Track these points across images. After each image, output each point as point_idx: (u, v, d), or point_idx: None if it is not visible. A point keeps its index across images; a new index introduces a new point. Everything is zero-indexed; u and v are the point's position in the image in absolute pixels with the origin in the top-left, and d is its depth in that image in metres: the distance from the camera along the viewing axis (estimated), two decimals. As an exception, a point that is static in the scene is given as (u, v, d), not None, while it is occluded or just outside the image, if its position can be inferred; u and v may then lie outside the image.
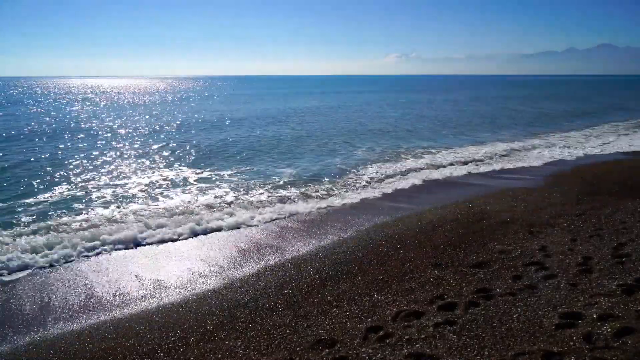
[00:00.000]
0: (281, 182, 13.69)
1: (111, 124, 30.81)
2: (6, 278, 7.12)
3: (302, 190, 12.65)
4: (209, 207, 10.91)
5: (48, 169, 15.52)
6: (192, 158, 17.99)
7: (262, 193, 12.41)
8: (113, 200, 11.68)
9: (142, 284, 6.81)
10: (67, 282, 6.99)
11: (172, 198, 12.01)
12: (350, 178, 14.19)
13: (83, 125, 29.32)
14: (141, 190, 12.82)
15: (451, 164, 16.12)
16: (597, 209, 9.11)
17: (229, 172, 15.26)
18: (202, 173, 15.22)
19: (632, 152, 17.93)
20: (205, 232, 9.17)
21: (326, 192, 12.44)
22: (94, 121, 32.26)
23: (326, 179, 14.05)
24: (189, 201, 11.61)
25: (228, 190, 12.77)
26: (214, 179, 14.39)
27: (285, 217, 10.19)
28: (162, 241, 8.69)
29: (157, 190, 12.93)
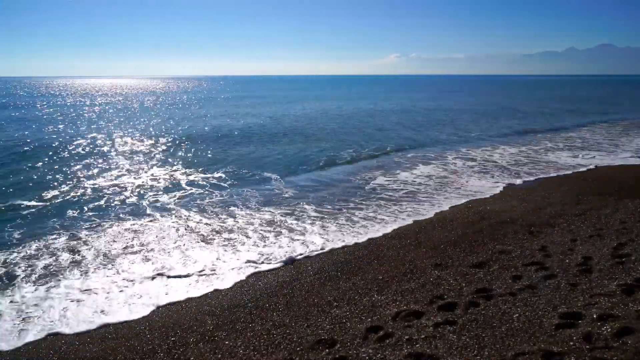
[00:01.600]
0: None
1: (113, 126, 30.83)
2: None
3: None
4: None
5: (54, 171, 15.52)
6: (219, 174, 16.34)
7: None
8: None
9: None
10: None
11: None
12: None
13: (86, 128, 29.34)
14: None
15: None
16: (597, 209, 9.11)
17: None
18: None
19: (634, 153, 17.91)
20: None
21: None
22: (99, 123, 32.29)
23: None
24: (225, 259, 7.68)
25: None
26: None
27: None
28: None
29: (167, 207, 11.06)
